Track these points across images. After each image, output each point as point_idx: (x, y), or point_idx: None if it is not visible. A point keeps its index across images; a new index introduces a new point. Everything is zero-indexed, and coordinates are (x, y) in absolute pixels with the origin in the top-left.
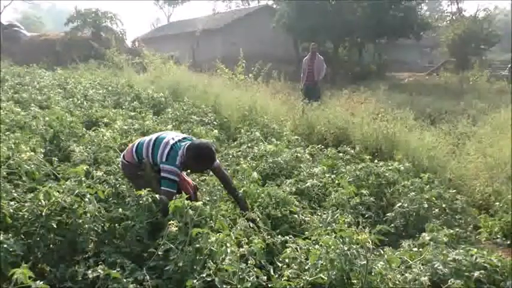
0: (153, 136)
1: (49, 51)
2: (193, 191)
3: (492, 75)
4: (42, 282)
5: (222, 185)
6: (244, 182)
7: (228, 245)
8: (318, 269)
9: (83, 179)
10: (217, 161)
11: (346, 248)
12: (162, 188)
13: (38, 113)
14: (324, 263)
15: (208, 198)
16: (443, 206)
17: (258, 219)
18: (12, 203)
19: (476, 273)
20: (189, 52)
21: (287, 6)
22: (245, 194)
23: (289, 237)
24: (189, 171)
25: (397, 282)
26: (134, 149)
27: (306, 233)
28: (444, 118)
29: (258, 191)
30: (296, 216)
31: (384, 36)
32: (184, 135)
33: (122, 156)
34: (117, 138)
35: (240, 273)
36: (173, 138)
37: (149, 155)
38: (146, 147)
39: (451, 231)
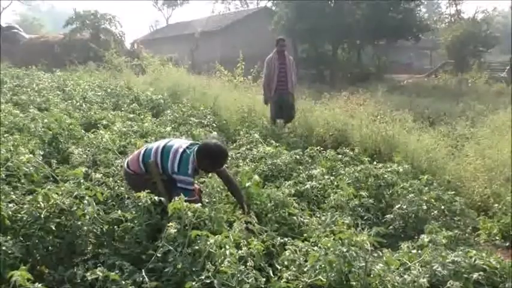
0: (161, 144)
1: (48, 53)
2: (198, 195)
3: (491, 77)
4: (41, 285)
5: (225, 185)
6: (247, 184)
7: (227, 247)
8: (317, 271)
9: (82, 181)
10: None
11: (344, 250)
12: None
13: (37, 115)
14: (323, 265)
15: (207, 200)
16: (442, 207)
17: (255, 221)
18: (11, 205)
19: (475, 275)
20: (188, 54)
21: (286, 8)
22: (247, 195)
23: (288, 239)
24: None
25: (396, 284)
26: (141, 158)
27: (305, 234)
28: (443, 120)
29: (259, 192)
30: (295, 218)
31: (382, 38)
32: (192, 142)
33: (125, 164)
34: (116, 140)
35: (239, 275)
36: (181, 146)
37: (158, 162)
38: (154, 155)
39: (450, 233)
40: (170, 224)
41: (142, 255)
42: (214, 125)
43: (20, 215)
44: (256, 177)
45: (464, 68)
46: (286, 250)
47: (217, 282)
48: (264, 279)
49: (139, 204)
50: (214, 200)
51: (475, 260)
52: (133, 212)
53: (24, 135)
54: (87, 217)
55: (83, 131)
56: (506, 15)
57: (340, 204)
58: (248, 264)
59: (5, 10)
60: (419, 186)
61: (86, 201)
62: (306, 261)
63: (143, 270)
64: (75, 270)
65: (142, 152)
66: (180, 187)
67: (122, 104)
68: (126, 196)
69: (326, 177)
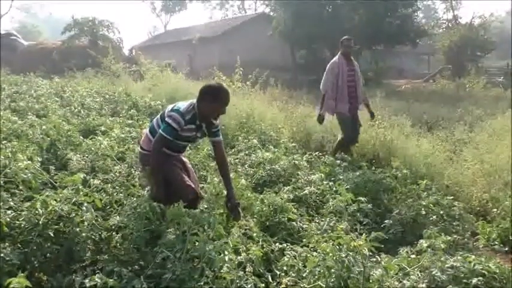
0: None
1: (46, 60)
2: (197, 201)
3: (488, 82)
4: None
5: (217, 166)
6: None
7: (226, 252)
8: (316, 276)
9: (80, 187)
10: (221, 137)
11: (343, 255)
12: (159, 131)
13: (35, 121)
14: (322, 270)
15: (206, 206)
16: (441, 212)
17: (252, 224)
18: (9, 212)
19: (474, 280)
20: (186, 60)
21: (284, 14)
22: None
23: (287, 245)
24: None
25: None
26: (148, 131)
27: (304, 240)
28: (441, 125)
29: (250, 195)
30: (294, 223)
31: (380, 44)
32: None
33: (139, 148)
34: (115, 147)
35: (237, 281)
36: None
37: (159, 123)
38: (156, 123)
39: (449, 238)
40: (169, 229)
41: (141, 261)
42: None
43: (18, 222)
44: (243, 181)
45: (462, 73)
46: (285, 255)
47: None
48: (263, 284)
49: (138, 210)
50: (212, 205)
51: (474, 265)
52: (132, 218)
53: (23, 142)
54: (86, 223)
55: (81, 137)
56: (503, 20)
57: (338, 210)
58: (247, 269)
59: (3, 17)
60: (418, 191)
61: (84, 208)
62: (305, 266)
63: (142, 276)
64: (73, 277)
65: (148, 128)
66: (166, 121)
67: (120, 110)
68: (125, 202)
69: (325, 182)
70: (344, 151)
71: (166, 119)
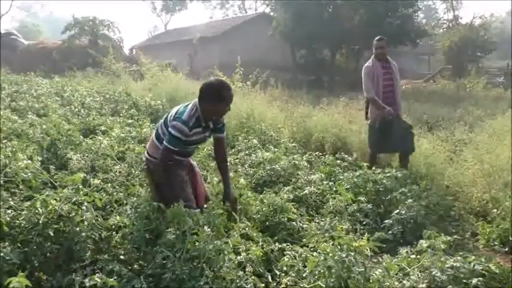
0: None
1: (46, 59)
2: (203, 201)
3: (488, 82)
4: None
5: (217, 163)
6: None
7: (226, 252)
8: (316, 276)
9: (80, 187)
10: (224, 133)
11: (343, 255)
12: (164, 143)
13: (35, 121)
14: (322, 270)
15: (205, 206)
16: (441, 213)
17: (249, 226)
18: (9, 211)
19: (474, 280)
20: (187, 60)
21: (284, 13)
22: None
23: (287, 245)
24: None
25: None
26: (154, 137)
27: (304, 240)
28: (441, 125)
29: (250, 195)
30: (294, 223)
31: None
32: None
33: (146, 153)
34: (115, 146)
35: (237, 281)
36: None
37: (164, 131)
38: (161, 129)
39: (449, 238)
40: (169, 229)
41: (140, 261)
42: None
43: (18, 221)
44: (242, 180)
45: (462, 73)
46: (285, 255)
47: None
48: (263, 284)
49: (138, 209)
50: (212, 205)
51: (474, 265)
52: (132, 218)
53: (23, 141)
54: (86, 223)
55: (81, 136)
56: (503, 21)
57: (338, 210)
58: (247, 269)
59: (3, 16)
60: (418, 192)
61: (84, 207)
62: (305, 266)
63: (142, 276)
64: (73, 276)
65: (154, 132)
66: (169, 131)
67: (121, 110)
68: (125, 202)
69: (325, 182)
70: (370, 161)
71: (170, 129)
